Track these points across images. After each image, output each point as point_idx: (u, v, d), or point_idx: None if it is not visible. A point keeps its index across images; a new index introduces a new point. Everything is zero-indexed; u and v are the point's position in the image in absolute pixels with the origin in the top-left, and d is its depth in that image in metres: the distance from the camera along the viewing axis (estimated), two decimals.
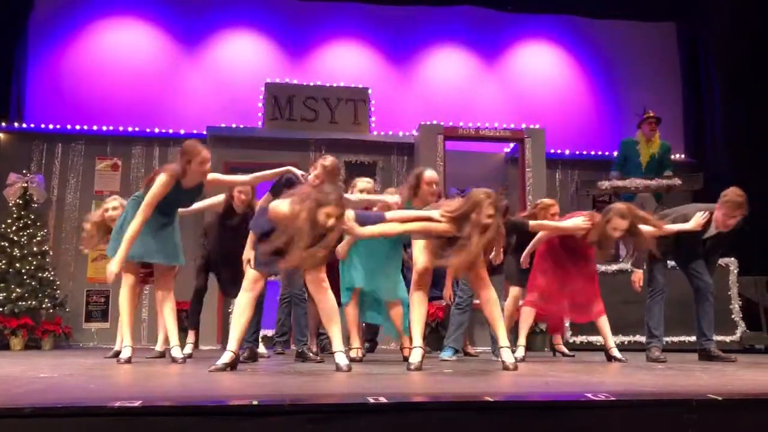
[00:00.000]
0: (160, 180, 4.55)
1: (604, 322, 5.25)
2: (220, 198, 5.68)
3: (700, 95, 10.41)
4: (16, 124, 9.12)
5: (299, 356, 5.15)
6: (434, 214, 4.02)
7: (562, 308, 5.43)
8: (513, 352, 4.33)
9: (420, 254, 4.22)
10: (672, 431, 2.13)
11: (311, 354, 5.14)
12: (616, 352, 5.18)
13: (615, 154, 8.94)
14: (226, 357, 3.87)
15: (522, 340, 5.34)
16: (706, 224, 5.14)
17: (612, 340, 5.25)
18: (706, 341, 5.26)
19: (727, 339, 6.98)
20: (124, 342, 4.82)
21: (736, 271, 7.25)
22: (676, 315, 6.16)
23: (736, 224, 5.09)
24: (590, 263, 5.35)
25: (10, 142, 9.07)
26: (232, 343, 3.94)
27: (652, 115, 8.49)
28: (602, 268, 7.30)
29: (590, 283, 5.32)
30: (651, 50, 10.91)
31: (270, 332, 6.88)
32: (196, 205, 5.34)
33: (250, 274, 4.00)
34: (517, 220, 5.38)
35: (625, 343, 7.00)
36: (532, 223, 5.27)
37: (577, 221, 5.10)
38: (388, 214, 4.17)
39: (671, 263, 5.43)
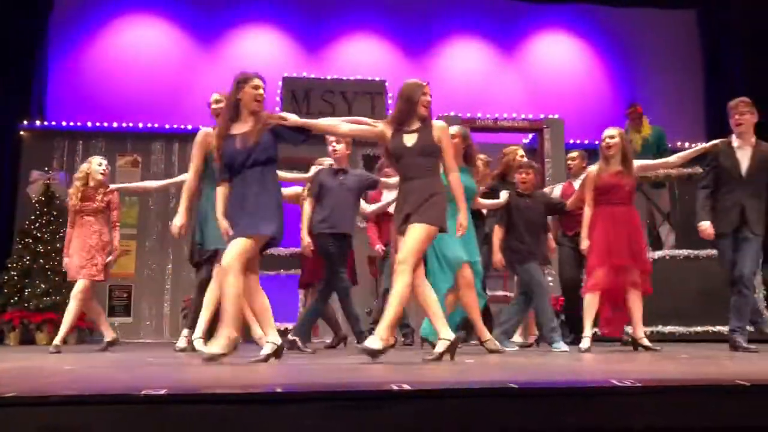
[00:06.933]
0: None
1: (636, 305, 5.00)
2: None
3: (722, 82, 10.24)
4: (38, 123, 9.21)
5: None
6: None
7: (622, 276, 5.00)
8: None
9: None
10: (699, 417, 2.11)
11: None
12: (645, 341, 5.02)
13: None
14: (268, 348, 3.76)
15: (588, 331, 5.01)
16: None
17: (641, 329, 5.04)
18: None
19: (751, 328, 6.87)
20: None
21: (760, 260, 7.12)
22: (701, 305, 6.09)
23: None
24: (632, 210, 5.17)
25: (32, 140, 9.16)
26: (274, 334, 3.77)
27: (629, 110, 8.36)
28: None
29: (637, 233, 5.11)
30: (671, 38, 10.77)
31: (288, 324, 6.68)
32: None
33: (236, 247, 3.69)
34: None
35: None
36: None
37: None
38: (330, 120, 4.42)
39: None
